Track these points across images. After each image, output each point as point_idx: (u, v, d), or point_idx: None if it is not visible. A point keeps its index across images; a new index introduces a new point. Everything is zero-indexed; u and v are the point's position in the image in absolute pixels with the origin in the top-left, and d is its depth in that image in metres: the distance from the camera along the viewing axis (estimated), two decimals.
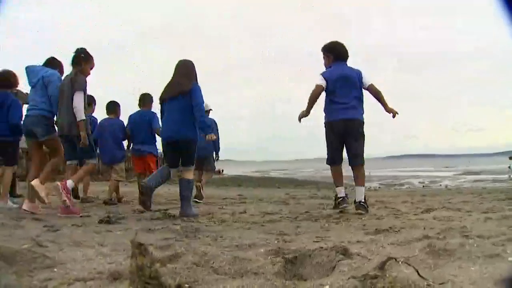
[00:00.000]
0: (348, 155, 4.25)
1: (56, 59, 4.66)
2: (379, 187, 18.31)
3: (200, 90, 4.12)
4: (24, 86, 5.05)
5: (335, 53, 4.39)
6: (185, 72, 4.21)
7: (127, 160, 7.14)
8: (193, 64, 4.30)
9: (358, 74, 4.32)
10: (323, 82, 4.18)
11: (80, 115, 4.06)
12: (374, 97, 4.35)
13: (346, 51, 4.39)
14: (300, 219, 4.20)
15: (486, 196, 7.13)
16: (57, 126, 4.36)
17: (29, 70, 4.41)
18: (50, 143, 4.32)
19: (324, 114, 4.35)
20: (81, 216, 4.08)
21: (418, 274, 1.48)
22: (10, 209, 4.69)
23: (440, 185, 18.61)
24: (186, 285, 1.52)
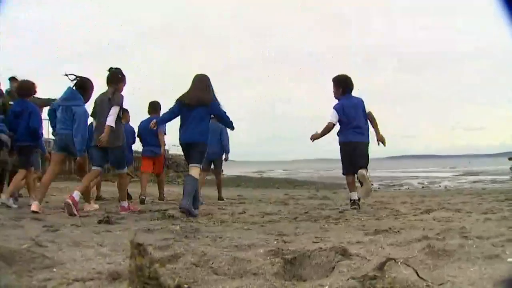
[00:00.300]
0: (354, 165, 5.00)
1: (88, 82, 4.90)
2: (378, 188, 18.31)
3: (218, 104, 4.70)
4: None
5: (344, 85, 5.08)
6: (203, 86, 4.69)
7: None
8: (208, 78, 4.77)
9: (362, 102, 5.09)
10: (334, 119, 4.98)
11: (110, 121, 4.56)
12: (370, 123, 5.10)
13: (353, 84, 5.10)
14: (299, 220, 4.20)
15: (485, 197, 7.14)
16: (95, 138, 4.76)
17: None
18: (81, 160, 4.86)
19: (339, 136, 5.11)
20: (80, 216, 4.08)
21: (417, 274, 1.48)
22: (9, 207, 4.92)
23: (440, 185, 18.61)
24: (186, 286, 1.52)
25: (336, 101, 5.13)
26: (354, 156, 4.95)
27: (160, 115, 6.03)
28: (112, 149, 4.64)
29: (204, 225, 3.68)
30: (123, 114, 5.01)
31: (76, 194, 4.37)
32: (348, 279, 1.52)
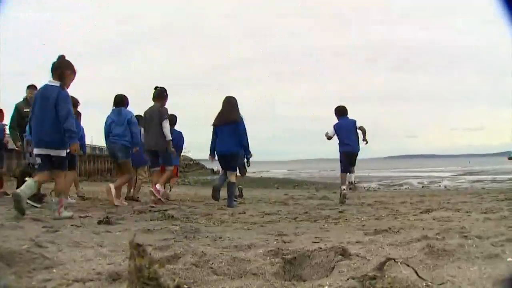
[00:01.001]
0: (346, 167, 6.83)
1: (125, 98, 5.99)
2: (378, 188, 18.31)
3: (244, 123, 5.90)
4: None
5: (340, 113, 6.76)
6: (231, 107, 5.91)
7: None
8: (236, 99, 6.00)
9: (354, 122, 6.76)
10: (331, 134, 6.70)
11: (168, 136, 5.81)
12: (362, 133, 6.76)
13: (347, 111, 6.80)
14: (299, 220, 4.21)
15: (485, 197, 7.14)
16: (145, 145, 6.03)
17: (118, 111, 5.85)
18: (124, 163, 5.80)
19: (339, 146, 6.79)
20: (80, 217, 4.08)
21: (417, 274, 1.48)
22: (70, 203, 5.50)
23: (439, 185, 18.61)
24: (185, 286, 1.51)
25: (336, 120, 6.82)
26: (346, 161, 6.79)
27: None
28: (162, 152, 5.86)
29: (204, 225, 3.68)
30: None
31: (159, 186, 5.73)
32: (348, 279, 1.52)
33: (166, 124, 5.75)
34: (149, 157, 6.15)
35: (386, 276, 1.47)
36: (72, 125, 4.09)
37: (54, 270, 1.67)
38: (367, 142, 6.81)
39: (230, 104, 5.90)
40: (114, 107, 5.94)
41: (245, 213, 5.03)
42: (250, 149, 6.11)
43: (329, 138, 6.72)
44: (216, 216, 4.53)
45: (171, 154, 5.97)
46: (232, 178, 5.92)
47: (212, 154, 6.09)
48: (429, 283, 1.45)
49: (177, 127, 7.28)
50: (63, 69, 4.12)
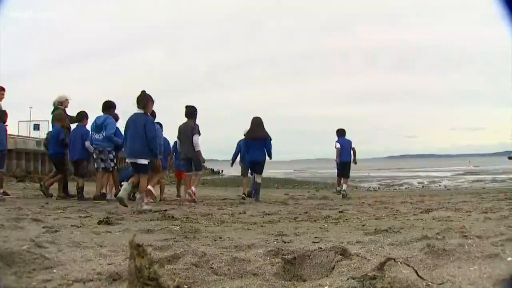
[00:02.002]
0: (344, 171, 9.11)
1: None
2: (378, 187, 18.32)
3: (270, 139, 7.59)
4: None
5: (340, 134, 9.15)
6: (259, 126, 7.58)
7: None
8: (261, 119, 7.66)
9: (350, 141, 9.17)
10: (338, 146, 8.98)
11: (198, 147, 6.82)
12: (353, 153, 9.10)
13: (345, 132, 9.18)
14: (299, 220, 4.21)
15: (485, 196, 7.14)
16: (181, 153, 7.14)
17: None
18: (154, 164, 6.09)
19: (340, 157, 8.98)
20: (80, 217, 4.08)
21: (417, 274, 1.48)
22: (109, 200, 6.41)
23: (439, 185, 18.62)
24: (185, 286, 1.52)
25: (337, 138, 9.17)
26: (343, 168, 9.07)
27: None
28: (195, 160, 6.88)
29: (204, 225, 3.67)
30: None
31: (193, 189, 6.72)
32: (348, 279, 1.52)
33: (196, 138, 6.82)
34: (184, 163, 7.23)
35: (386, 276, 1.47)
36: (156, 146, 5.47)
37: (54, 271, 1.67)
38: (356, 163, 9.29)
39: (258, 123, 7.58)
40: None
41: (245, 213, 5.03)
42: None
43: (338, 150, 8.91)
44: (216, 216, 4.53)
45: (201, 161, 7.07)
46: (259, 179, 7.61)
47: (233, 162, 8.86)
48: (429, 283, 1.45)
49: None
50: (145, 101, 5.47)
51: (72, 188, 7.47)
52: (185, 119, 6.98)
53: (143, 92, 5.50)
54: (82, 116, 7.08)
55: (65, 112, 7.24)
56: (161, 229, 3.19)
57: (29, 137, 21.16)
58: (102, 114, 6.74)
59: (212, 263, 1.79)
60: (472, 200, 6.29)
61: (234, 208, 5.74)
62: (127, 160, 5.77)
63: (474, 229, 2.74)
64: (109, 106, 6.76)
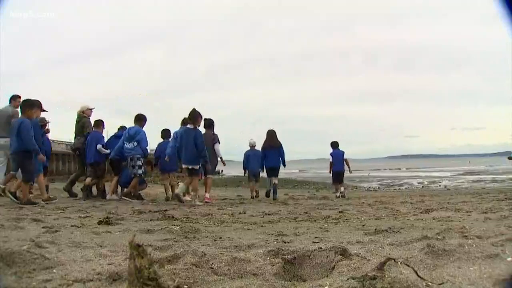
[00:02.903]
0: (338, 179, 9.92)
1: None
2: (378, 188, 18.31)
3: (282, 147, 8.96)
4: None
5: (334, 145, 9.95)
6: (273, 136, 8.95)
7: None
8: (275, 131, 9.05)
9: (343, 152, 10.00)
10: (331, 159, 9.93)
11: (220, 155, 7.73)
12: (346, 164, 9.93)
13: (338, 144, 9.99)
14: (299, 220, 4.20)
15: (485, 196, 7.14)
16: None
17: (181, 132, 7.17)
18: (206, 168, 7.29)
19: (333, 166, 9.89)
20: (80, 217, 4.09)
21: (417, 274, 1.48)
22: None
23: (440, 185, 18.61)
24: (185, 286, 1.51)
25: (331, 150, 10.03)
26: (337, 177, 9.90)
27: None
28: (213, 165, 7.54)
29: (204, 225, 3.67)
30: None
31: (207, 195, 7.18)
32: (348, 279, 1.52)
33: (217, 146, 7.70)
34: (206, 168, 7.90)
35: (386, 276, 1.47)
36: (205, 154, 6.73)
37: (54, 271, 1.67)
38: (351, 172, 10.45)
39: (272, 135, 8.96)
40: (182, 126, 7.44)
41: (245, 213, 5.03)
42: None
43: (331, 164, 9.89)
44: (216, 216, 4.53)
45: (214, 166, 7.81)
46: (276, 181, 8.85)
47: (246, 169, 9.69)
48: (429, 283, 1.45)
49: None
50: (195, 117, 6.75)
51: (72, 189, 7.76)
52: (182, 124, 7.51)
53: (194, 109, 6.82)
54: (98, 123, 7.74)
55: (89, 120, 7.83)
56: (161, 229, 3.19)
57: None
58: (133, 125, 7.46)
59: (212, 263, 1.79)
60: (472, 200, 6.29)
61: (234, 208, 5.74)
62: (183, 166, 6.92)
63: (474, 229, 2.74)
64: (140, 119, 7.48)
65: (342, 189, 9.67)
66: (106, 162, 7.60)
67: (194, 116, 6.74)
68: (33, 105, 5.99)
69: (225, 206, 6.19)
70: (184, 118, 7.29)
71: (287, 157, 9.00)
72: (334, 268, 1.73)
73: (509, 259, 1.73)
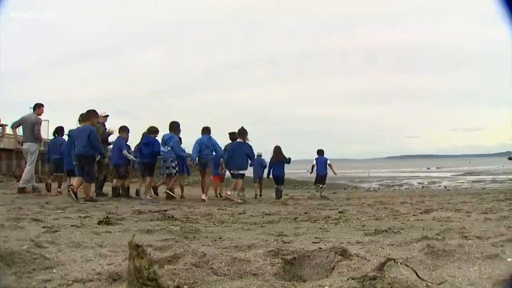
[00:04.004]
0: (321, 180, 11.08)
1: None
2: (378, 188, 18.31)
3: (286, 160, 10.55)
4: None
5: (320, 153, 11.17)
6: (279, 152, 10.54)
7: None
8: (280, 147, 10.68)
9: (326, 159, 11.14)
10: (314, 163, 11.19)
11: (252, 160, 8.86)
12: (330, 167, 11.20)
13: (323, 152, 11.22)
14: (299, 220, 4.20)
15: (485, 197, 7.14)
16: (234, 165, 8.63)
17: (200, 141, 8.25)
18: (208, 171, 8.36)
19: (317, 171, 11.16)
20: (80, 217, 4.08)
21: (417, 275, 1.48)
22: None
23: (439, 185, 18.60)
24: (185, 286, 1.51)
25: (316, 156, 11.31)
26: (320, 179, 11.11)
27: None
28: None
29: (204, 225, 3.67)
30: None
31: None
32: (348, 279, 1.52)
33: (250, 151, 8.91)
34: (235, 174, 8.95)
35: (386, 276, 1.47)
36: (253, 162, 8.85)
37: (54, 271, 1.67)
38: (336, 174, 12.02)
39: (278, 151, 10.56)
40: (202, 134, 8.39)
41: (245, 213, 5.03)
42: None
43: (313, 166, 11.22)
44: (216, 216, 4.53)
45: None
46: (282, 188, 10.55)
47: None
48: (429, 283, 1.45)
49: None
50: (243, 134, 8.27)
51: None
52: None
53: (242, 127, 8.45)
54: (123, 129, 8.31)
55: (104, 125, 8.20)
56: (161, 229, 3.19)
57: None
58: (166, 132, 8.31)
59: (212, 264, 1.79)
60: (472, 201, 6.29)
61: (234, 208, 5.74)
62: (232, 172, 8.39)
63: (474, 229, 2.74)
64: (174, 126, 8.28)
65: (323, 188, 11.27)
66: (128, 165, 8.26)
67: (243, 133, 8.38)
68: (97, 114, 7.17)
69: (225, 206, 6.19)
70: (205, 127, 8.46)
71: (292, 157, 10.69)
72: (334, 268, 1.73)
73: (509, 259, 1.73)
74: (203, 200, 7.54)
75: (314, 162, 11.27)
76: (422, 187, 18.47)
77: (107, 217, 3.73)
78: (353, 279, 1.50)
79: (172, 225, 3.52)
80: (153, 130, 8.25)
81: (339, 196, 11.26)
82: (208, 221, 4.09)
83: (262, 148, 11.55)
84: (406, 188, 17.42)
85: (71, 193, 6.28)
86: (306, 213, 4.99)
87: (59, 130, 8.80)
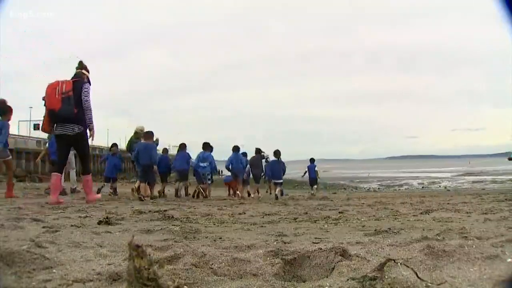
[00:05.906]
0: (312, 183, 14.05)
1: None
2: (378, 188, 18.32)
3: (284, 163, 12.25)
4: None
5: (311, 161, 14.30)
6: (279, 156, 11.84)
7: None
8: (280, 152, 11.91)
9: (315, 165, 14.16)
10: (307, 169, 14.23)
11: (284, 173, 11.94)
12: (316, 172, 14.30)
13: (314, 160, 14.40)
14: (299, 220, 4.20)
15: (485, 197, 7.14)
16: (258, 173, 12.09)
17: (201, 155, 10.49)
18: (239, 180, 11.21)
19: (309, 175, 14.08)
20: (80, 217, 4.08)
21: (417, 275, 1.48)
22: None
23: (440, 186, 18.61)
24: (185, 287, 1.51)
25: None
26: (312, 181, 13.71)
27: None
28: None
29: (204, 225, 3.67)
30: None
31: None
32: (347, 280, 1.52)
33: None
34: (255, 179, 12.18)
35: (386, 277, 1.47)
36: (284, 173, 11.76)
37: (54, 271, 1.67)
38: (319, 177, 14.32)
39: (278, 155, 11.78)
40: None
41: (245, 213, 5.03)
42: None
43: (305, 172, 13.95)
44: (216, 216, 4.53)
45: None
46: (281, 187, 11.42)
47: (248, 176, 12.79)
48: (429, 284, 1.45)
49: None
50: (279, 154, 11.56)
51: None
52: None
53: (278, 150, 11.66)
54: (149, 135, 9.38)
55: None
56: (161, 229, 3.19)
57: (30, 136, 21.13)
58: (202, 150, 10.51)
59: (212, 264, 1.79)
60: (472, 201, 6.29)
61: (234, 209, 5.74)
62: (273, 180, 11.76)
63: (474, 230, 2.74)
64: (207, 146, 10.43)
65: (314, 188, 13.78)
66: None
67: (279, 153, 11.67)
68: (153, 135, 9.22)
69: (225, 206, 6.19)
70: (235, 146, 11.31)
71: (287, 158, 12.14)
72: (334, 268, 1.73)
73: (509, 260, 1.73)
74: (252, 197, 10.48)
75: (306, 169, 14.27)
76: (422, 187, 18.49)
77: (107, 217, 3.73)
78: (353, 280, 1.50)
79: (172, 225, 3.52)
80: (148, 136, 9.32)
81: (339, 196, 11.27)
82: (208, 221, 4.09)
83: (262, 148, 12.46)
84: (406, 189, 17.44)
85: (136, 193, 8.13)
86: (306, 213, 4.99)
87: None
